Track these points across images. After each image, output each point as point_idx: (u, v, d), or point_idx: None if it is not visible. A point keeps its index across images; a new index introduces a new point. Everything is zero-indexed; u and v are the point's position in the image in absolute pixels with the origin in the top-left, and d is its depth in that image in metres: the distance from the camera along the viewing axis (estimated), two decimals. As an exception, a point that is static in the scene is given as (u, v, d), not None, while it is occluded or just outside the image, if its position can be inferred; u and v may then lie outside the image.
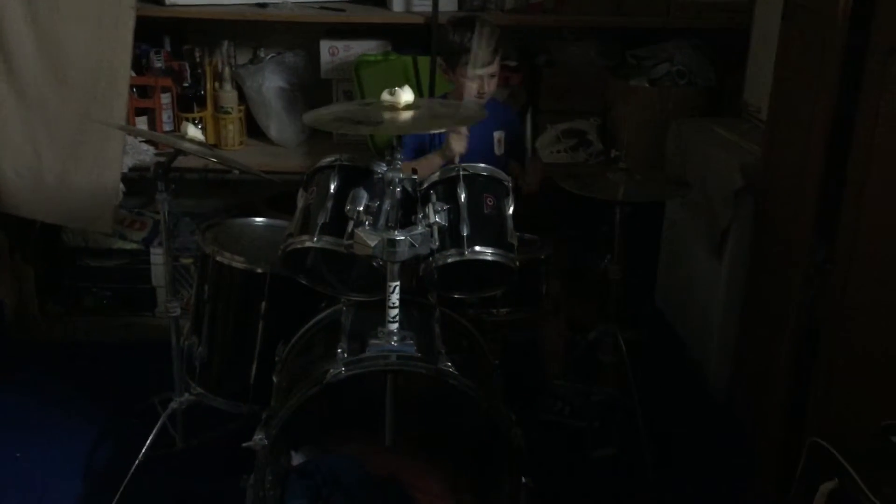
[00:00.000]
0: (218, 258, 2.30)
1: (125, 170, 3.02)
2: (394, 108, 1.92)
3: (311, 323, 2.19)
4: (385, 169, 1.94)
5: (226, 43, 3.27)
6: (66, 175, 2.94)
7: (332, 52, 3.30)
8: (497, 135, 2.65)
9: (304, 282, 2.14)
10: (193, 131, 2.20)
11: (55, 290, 3.38)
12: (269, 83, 3.27)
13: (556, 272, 2.54)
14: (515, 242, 2.03)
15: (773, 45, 2.55)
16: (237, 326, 2.35)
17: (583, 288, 2.71)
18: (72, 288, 3.37)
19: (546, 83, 3.26)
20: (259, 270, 2.27)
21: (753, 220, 2.41)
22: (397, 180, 1.85)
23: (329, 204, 2.01)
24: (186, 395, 2.38)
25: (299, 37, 3.43)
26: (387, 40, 3.30)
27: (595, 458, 2.47)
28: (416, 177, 1.97)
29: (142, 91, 3.17)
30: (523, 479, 1.95)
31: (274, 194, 3.37)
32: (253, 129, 3.37)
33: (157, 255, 3.33)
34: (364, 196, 1.97)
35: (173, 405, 2.37)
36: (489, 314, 2.28)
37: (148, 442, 2.32)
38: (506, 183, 2.10)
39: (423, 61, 3.12)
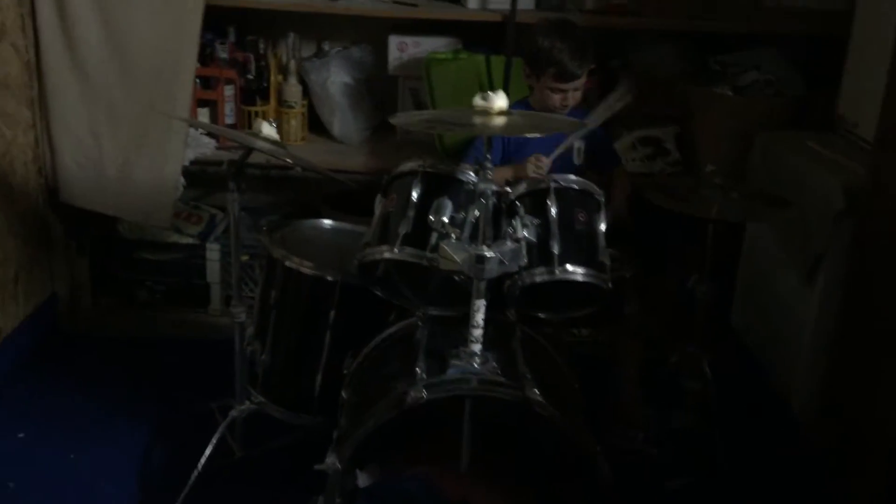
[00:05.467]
0: (287, 263, 2.20)
1: (186, 163, 2.95)
2: (486, 112, 1.80)
3: (382, 336, 2.09)
4: (475, 179, 1.83)
5: (292, 35, 3.17)
6: (126, 167, 2.87)
7: (400, 47, 3.19)
8: (577, 144, 2.52)
9: (379, 293, 2.03)
10: (268, 129, 2.10)
11: (109, 282, 3.31)
12: (335, 78, 3.17)
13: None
14: (608, 262, 1.91)
15: (875, 56, 2.40)
16: (303, 335, 2.25)
17: (657, 305, 2.57)
18: (125, 281, 3.30)
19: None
20: (329, 278, 2.16)
21: (852, 245, 2.26)
22: (490, 192, 1.73)
23: (411, 213, 1.90)
24: (247, 403, 2.29)
25: (366, 31, 3.32)
26: (457, 37, 3.18)
27: (669, 488, 2.34)
28: (508, 189, 1.84)
29: (205, 82, 3.08)
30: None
31: (333, 192, 3.28)
32: (315, 124, 3.27)
33: (213, 251, 3.26)
34: (449, 206, 1.86)
35: (234, 413, 2.28)
36: (569, 334, 2.16)
37: (207, 452, 2.23)
38: (598, 197, 1.98)
39: (497, 61, 2.99)
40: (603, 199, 1.97)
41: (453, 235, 1.79)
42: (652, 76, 3.10)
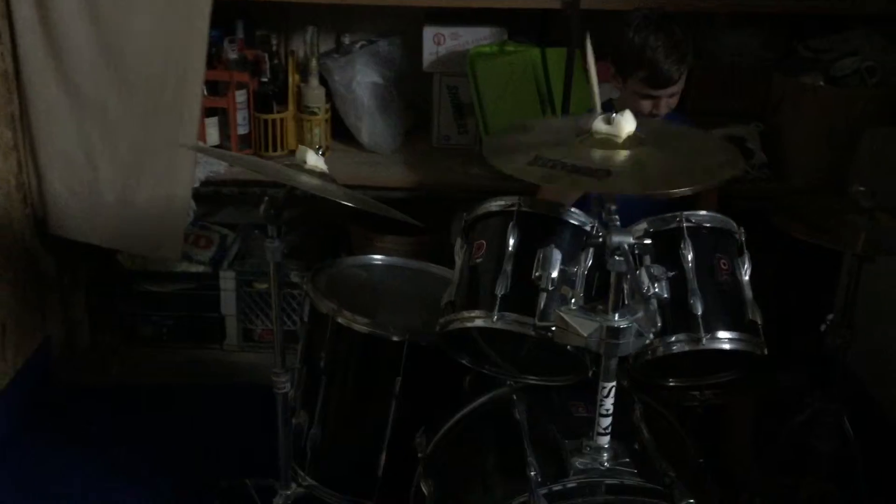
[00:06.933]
0: (340, 320, 1.79)
1: (196, 184, 2.53)
2: (611, 143, 1.39)
3: (466, 410, 1.69)
4: (585, 220, 1.43)
5: (311, 29, 2.73)
6: (127, 192, 2.46)
7: (436, 40, 2.76)
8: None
9: (466, 363, 1.64)
10: (314, 159, 1.68)
11: (108, 320, 2.89)
12: (362, 77, 2.74)
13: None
14: (760, 320, 1.52)
15: None
16: (362, 405, 1.85)
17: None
18: (127, 317, 2.89)
19: (696, 79, 2.71)
20: (395, 338, 1.76)
21: None
22: (627, 246, 1.32)
23: (508, 267, 1.50)
24: (294, 486, 1.89)
25: (392, 21, 2.89)
26: (501, 27, 2.75)
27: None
28: (648, 241, 1.42)
29: (212, 87, 2.64)
30: None
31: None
32: (338, 130, 2.84)
33: (228, 279, 2.85)
34: (558, 257, 1.47)
35: (278, 501, 1.88)
36: (690, 397, 1.77)
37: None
38: (737, 236, 1.58)
39: (554, 55, 2.58)
40: (743, 238, 1.58)
41: (572, 298, 1.39)
42: (731, 65, 2.69)
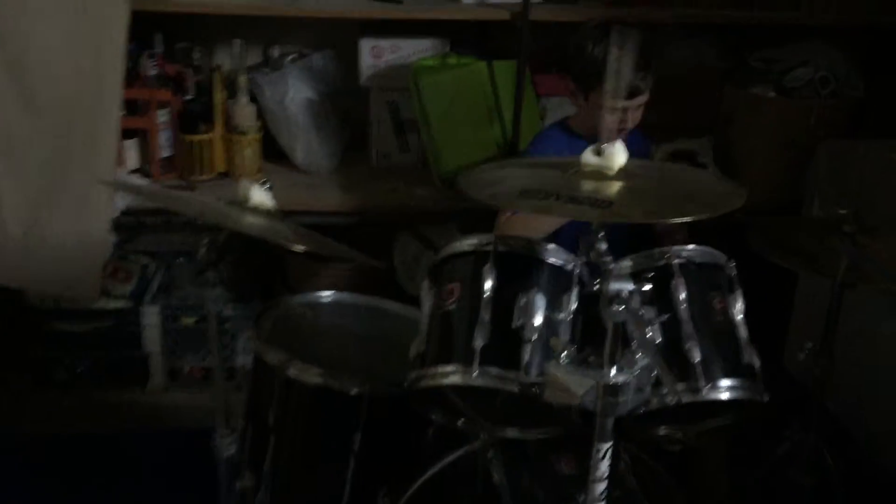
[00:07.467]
0: (290, 373, 1.60)
1: (116, 214, 2.30)
2: (601, 174, 1.25)
3: (436, 468, 1.52)
4: (565, 259, 1.30)
5: (237, 42, 2.53)
6: (37, 226, 2.21)
7: (375, 53, 2.58)
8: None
9: (437, 419, 1.47)
10: (261, 196, 1.49)
11: (14, 363, 2.61)
12: (295, 94, 2.55)
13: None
14: (757, 364, 1.40)
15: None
16: (316, 466, 1.66)
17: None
18: (37, 360, 2.62)
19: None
20: (354, 391, 1.58)
21: None
22: (626, 294, 1.18)
23: (486, 315, 1.34)
24: (241, 558, 1.69)
25: (324, 32, 2.71)
26: (444, 38, 2.60)
27: None
28: (648, 287, 1.28)
29: (130, 107, 2.41)
30: None
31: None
32: (270, 150, 2.63)
33: (151, 315, 2.61)
34: (542, 304, 1.32)
35: (225, 577, 1.67)
36: (673, 441, 1.64)
37: None
38: (728, 271, 1.46)
39: (502, 69, 2.43)
40: (734, 273, 1.46)
41: (564, 352, 1.24)
42: (681, 77, 2.60)
